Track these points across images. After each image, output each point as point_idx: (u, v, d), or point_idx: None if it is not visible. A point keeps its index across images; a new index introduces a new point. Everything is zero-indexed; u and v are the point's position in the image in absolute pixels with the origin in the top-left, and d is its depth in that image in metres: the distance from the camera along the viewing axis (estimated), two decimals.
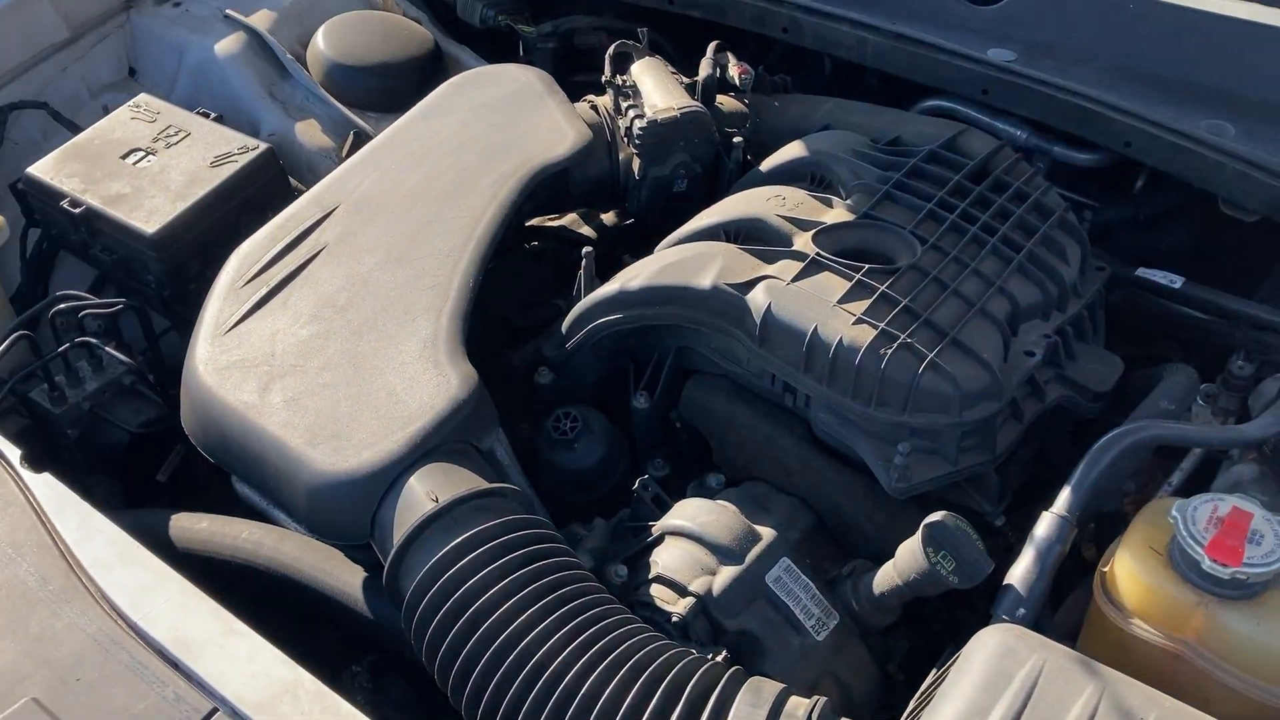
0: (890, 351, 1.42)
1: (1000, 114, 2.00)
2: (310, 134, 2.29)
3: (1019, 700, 1.10)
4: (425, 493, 1.35)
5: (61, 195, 1.99)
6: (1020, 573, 1.31)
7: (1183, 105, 1.80)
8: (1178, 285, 1.80)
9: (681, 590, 1.40)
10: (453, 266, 1.62)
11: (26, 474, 1.43)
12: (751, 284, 1.53)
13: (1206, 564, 1.18)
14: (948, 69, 1.97)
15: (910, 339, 1.43)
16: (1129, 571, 1.27)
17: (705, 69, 1.98)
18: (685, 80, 1.97)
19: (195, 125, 2.11)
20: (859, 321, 1.45)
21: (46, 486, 1.42)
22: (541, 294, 1.97)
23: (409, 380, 1.47)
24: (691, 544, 1.44)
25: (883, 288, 1.49)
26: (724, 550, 1.42)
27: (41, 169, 2.05)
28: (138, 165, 2.04)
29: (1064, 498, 1.36)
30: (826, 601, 1.42)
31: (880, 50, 2.04)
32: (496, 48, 2.59)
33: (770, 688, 1.22)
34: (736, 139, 1.91)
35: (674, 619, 1.37)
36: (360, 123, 2.31)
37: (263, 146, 2.04)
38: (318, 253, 1.68)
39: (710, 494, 1.56)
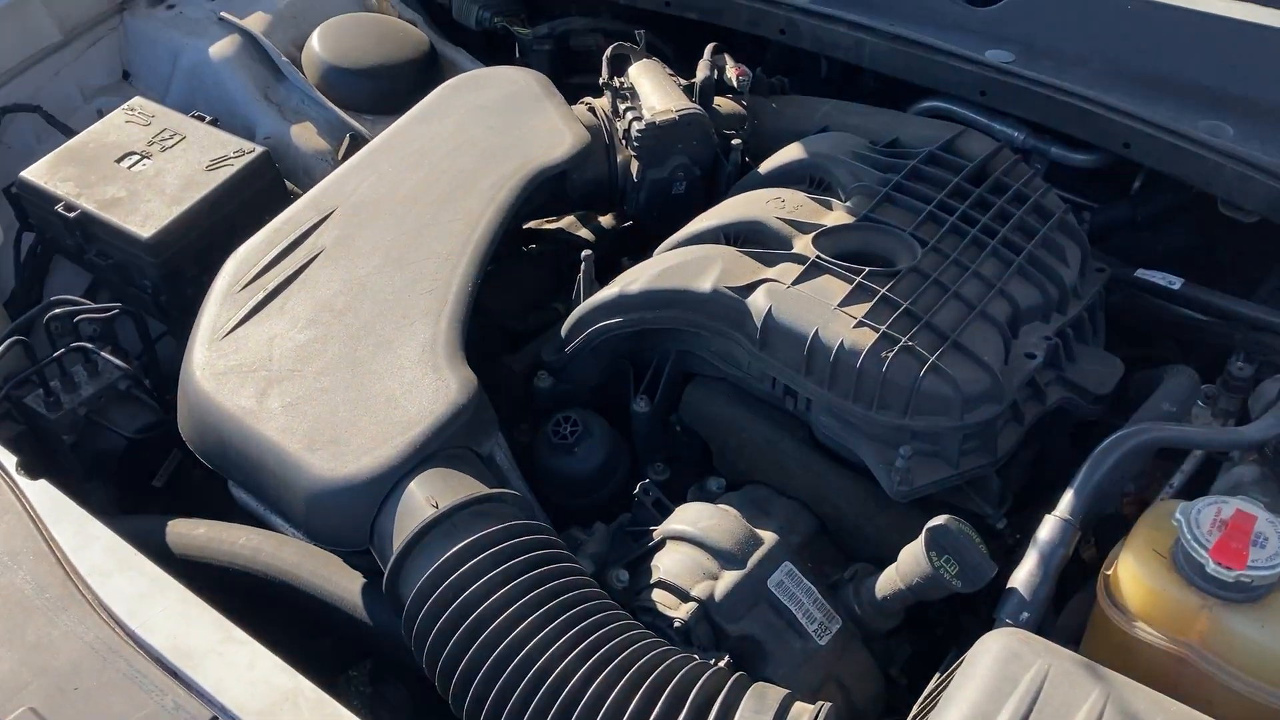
0: (892, 355, 1.41)
1: (997, 115, 1.99)
2: (306, 137, 2.28)
3: (1024, 705, 1.10)
4: (425, 498, 1.35)
5: (56, 199, 1.98)
6: (1023, 576, 1.31)
7: (1181, 106, 1.80)
8: (1177, 286, 1.79)
9: (683, 595, 1.39)
10: (451, 270, 1.61)
11: (23, 481, 1.42)
12: (752, 287, 1.52)
13: (1211, 567, 1.18)
14: (945, 70, 1.97)
15: (911, 342, 1.42)
16: (1132, 574, 1.26)
17: (703, 71, 1.98)
18: (683, 82, 1.96)
19: (190, 128, 2.10)
20: (860, 324, 1.45)
21: (43, 493, 1.41)
22: (539, 297, 1.96)
23: (408, 385, 1.46)
24: (693, 548, 1.43)
25: (884, 290, 1.48)
26: (726, 555, 1.41)
27: (35, 173, 2.04)
28: (133, 169, 2.02)
29: (1067, 500, 1.36)
30: (829, 605, 1.42)
31: (878, 52, 2.04)
32: (492, 50, 2.58)
33: (774, 693, 1.21)
34: (735, 141, 1.91)
35: (676, 624, 1.36)
36: (356, 125, 2.30)
37: (259, 150, 2.03)
38: (315, 257, 1.67)
39: (711, 498, 1.56)
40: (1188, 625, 1.22)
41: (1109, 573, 1.30)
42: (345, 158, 2.20)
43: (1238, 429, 1.45)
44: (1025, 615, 1.28)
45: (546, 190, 1.84)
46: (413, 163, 1.82)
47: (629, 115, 1.88)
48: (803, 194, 1.71)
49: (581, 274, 1.68)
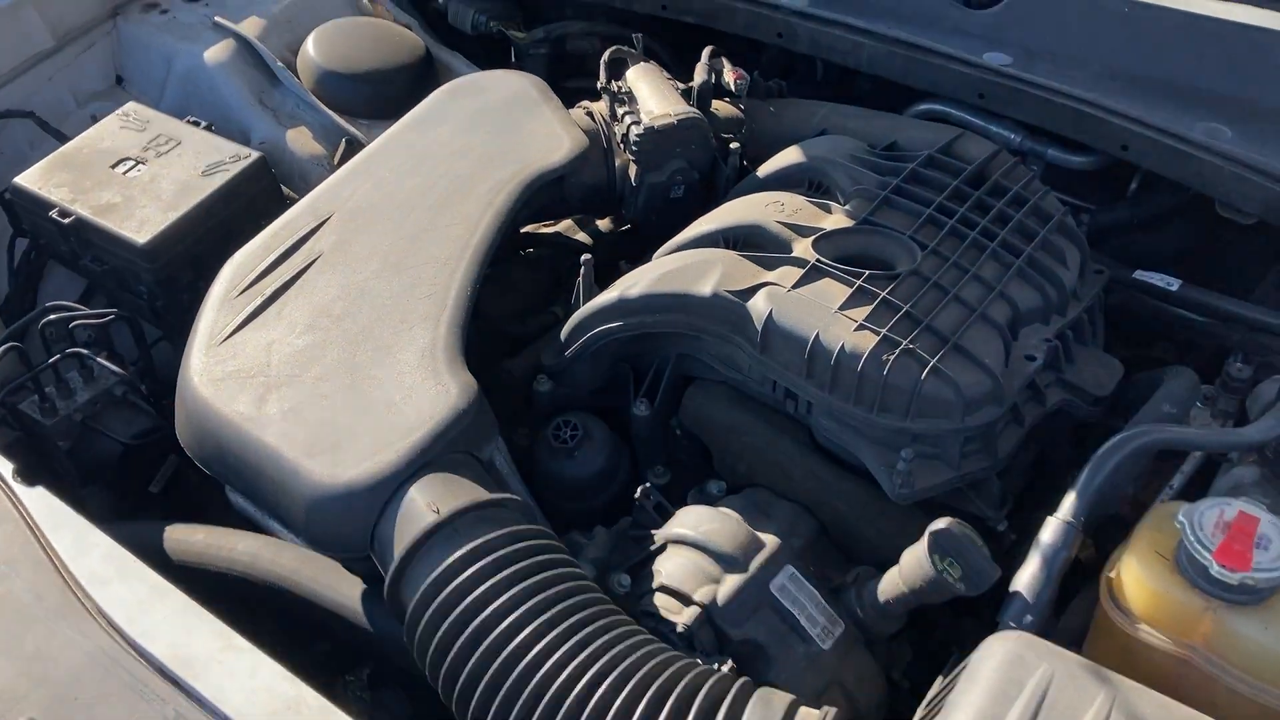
0: (893, 358, 1.41)
1: (994, 117, 2.00)
2: (301, 142, 2.28)
3: (1030, 708, 1.10)
4: (426, 504, 1.34)
5: (50, 205, 1.97)
6: (1027, 579, 1.31)
7: (1179, 108, 1.80)
8: (1175, 288, 1.80)
9: (686, 600, 1.39)
10: (449, 275, 1.61)
11: (19, 488, 1.41)
12: (752, 291, 1.52)
13: (1215, 569, 1.18)
14: (943, 73, 1.97)
15: (912, 345, 1.42)
16: (1136, 577, 1.26)
17: (700, 74, 1.97)
18: (680, 86, 1.96)
19: (185, 134, 2.09)
20: (861, 328, 1.45)
21: (40, 501, 1.40)
22: (537, 301, 1.96)
23: (408, 390, 1.46)
24: (695, 552, 1.43)
25: (884, 294, 1.48)
26: (728, 559, 1.41)
27: (29, 179, 2.03)
28: (128, 175, 2.01)
29: (1069, 503, 1.36)
30: (831, 609, 1.41)
31: (876, 55, 2.04)
32: (488, 54, 2.57)
33: (780, 699, 1.21)
34: (733, 145, 1.91)
35: (679, 629, 1.36)
36: (352, 130, 2.29)
37: (254, 155, 2.02)
38: (312, 262, 1.66)
39: (711, 501, 1.55)
40: (1191, 627, 1.22)
41: (1111, 575, 1.30)
42: (341, 162, 2.19)
43: (1238, 430, 1.45)
44: (1029, 618, 1.28)
45: (544, 195, 1.83)
46: (410, 167, 1.82)
47: (627, 119, 1.87)
48: (802, 197, 1.71)
49: (581, 278, 1.67)
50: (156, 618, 1.27)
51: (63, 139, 2.21)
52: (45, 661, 1.23)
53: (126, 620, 1.26)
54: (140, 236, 1.89)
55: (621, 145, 1.91)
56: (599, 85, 2.00)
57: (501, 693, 1.20)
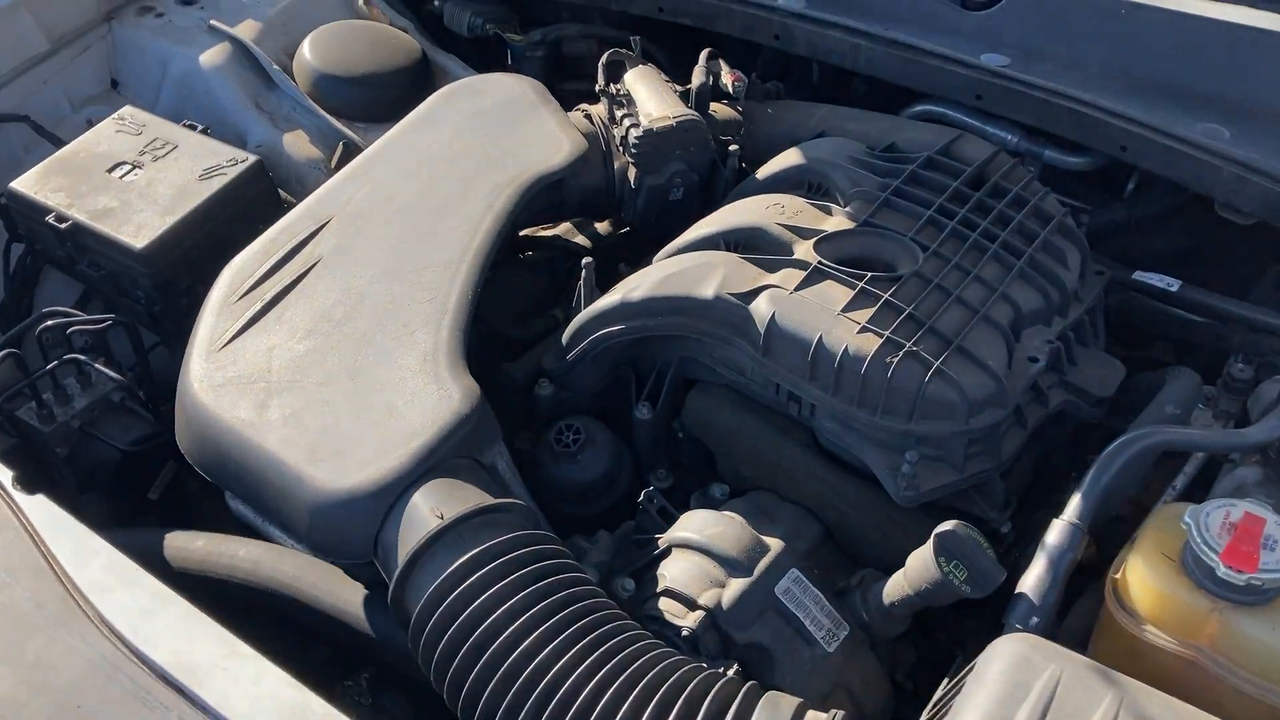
0: (896, 360, 1.41)
1: (990, 118, 2.00)
2: (298, 145, 2.27)
3: (1038, 711, 1.09)
4: (430, 509, 1.34)
5: (47, 210, 1.96)
6: (1032, 581, 1.31)
7: (1177, 109, 1.80)
8: (1175, 289, 1.80)
9: (690, 603, 1.38)
10: (450, 279, 1.60)
11: (19, 496, 1.40)
12: (754, 293, 1.52)
13: (1221, 570, 1.18)
14: (941, 74, 1.97)
15: (916, 347, 1.42)
16: (1141, 578, 1.26)
17: (698, 77, 1.97)
18: (678, 88, 1.96)
19: (182, 137, 2.08)
20: (864, 330, 1.44)
21: (41, 509, 1.39)
22: (537, 304, 1.95)
23: (410, 395, 1.45)
24: (699, 556, 1.43)
25: (886, 295, 1.48)
26: (732, 562, 1.41)
27: (25, 183, 2.02)
28: (124, 179, 2.01)
29: (1074, 505, 1.36)
30: (836, 612, 1.41)
31: (873, 56, 2.04)
32: (484, 57, 2.57)
33: (788, 703, 1.21)
34: (732, 147, 1.91)
35: (684, 633, 1.35)
36: (349, 133, 2.28)
37: (252, 159, 2.02)
38: (312, 266, 1.66)
39: (715, 505, 1.55)
40: (1198, 628, 1.22)
41: (1117, 576, 1.30)
42: (338, 166, 2.18)
43: (1241, 431, 1.45)
44: (1035, 620, 1.28)
45: (544, 198, 1.83)
46: (409, 171, 1.81)
47: (626, 122, 1.87)
48: (802, 199, 1.70)
49: (582, 281, 1.67)
50: (159, 625, 1.26)
51: (58, 143, 2.20)
52: (46, 670, 1.22)
53: (129, 628, 1.25)
54: (138, 241, 1.88)
55: (620, 148, 1.90)
56: (597, 88, 1.99)
57: (508, 698, 1.19)
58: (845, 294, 1.50)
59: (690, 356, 1.64)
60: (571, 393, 1.70)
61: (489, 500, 1.35)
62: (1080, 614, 1.43)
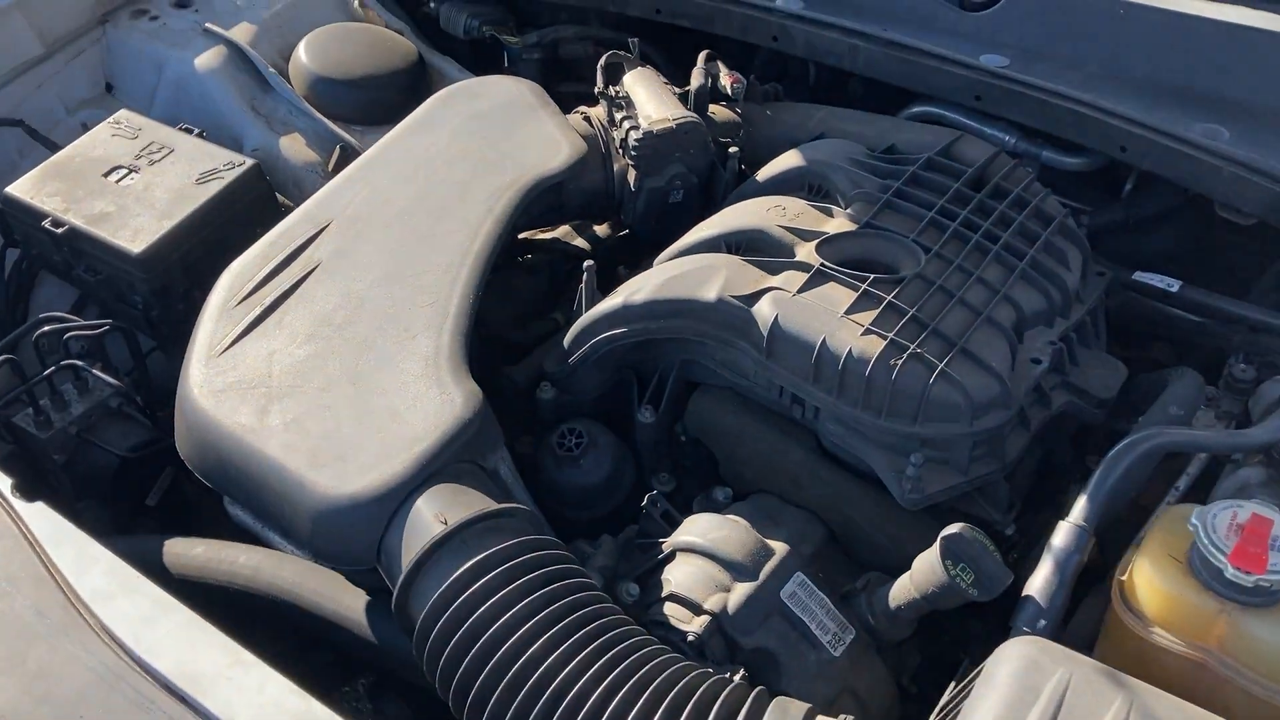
0: (901, 362, 1.40)
1: (987, 118, 1.99)
2: (295, 148, 2.26)
3: (1048, 714, 1.09)
4: (434, 515, 1.33)
5: (43, 215, 1.94)
6: (1039, 583, 1.31)
7: (1176, 109, 1.80)
8: (1175, 289, 1.80)
9: (696, 608, 1.38)
10: (451, 282, 1.59)
11: (19, 503, 1.39)
12: (757, 296, 1.51)
13: (1230, 572, 1.18)
14: (941, 76, 1.97)
15: (920, 349, 1.42)
16: (1148, 580, 1.26)
17: (697, 78, 1.97)
18: (677, 90, 1.95)
19: (178, 141, 2.07)
20: (867, 332, 1.44)
21: (40, 517, 1.38)
22: (536, 308, 1.95)
23: (412, 399, 1.44)
24: (704, 560, 1.42)
25: (889, 297, 1.47)
26: (737, 566, 1.40)
27: (21, 188, 2.00)
28: (120, 183, 1.99)
29: (1080, 506, 1.36)
30: (842, 616, 1.41)
31: (872, 58, 2.04)
32: (480, 59, 2.57)
33: (797, 708, 1.20)
34: (732, 149, 1.90)
35: (689, 638, 1.35)
36: (346, 136, 2.28)
37: (249, 162, 2.01)
38: (312, 270, 1.65)
39: (718, 508, 1.54)
40: (1205, 630, 1.22)
41: (1123, 578, 1.30)
42: (336, 169, 2.18)
43: (1245, 431, 1.45)
44: (1042, 623, 1.28)
45: (543, 201, 1.82)
46: (408, 174, 1.80)
47: (625, 124, 1.86)
48: (803, 201, 1.70)
49: (584, 284, 1.66)
50: (161, 633, 1.25)
51: (53, 147, 2.19)
52: (48, 680, 1.21)
53: (131, 636, 1.24)
54: (135, 246, 1.87)
55: (620, 150, 1.90)
56: (596, 90, 1.99)
57: (514, 705, 1.19)
58: (848, 296, 1.49)
59: (692, 359, 1.63)
60: (573, 396, 1.69)
61: (493, 505, 1.34)
62: (1085, 616, 1.43)
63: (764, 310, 1.49)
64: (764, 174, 1.82)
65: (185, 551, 1.60)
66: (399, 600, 1.30)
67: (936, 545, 1.29)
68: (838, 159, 1.76)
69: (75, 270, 1.98)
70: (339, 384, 1.49)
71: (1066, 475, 1.65)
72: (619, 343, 1.60)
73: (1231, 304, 1.76)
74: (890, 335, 1.43)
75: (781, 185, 1.79)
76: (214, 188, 1.96)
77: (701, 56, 2.03)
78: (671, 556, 1.46)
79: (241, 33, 2.41)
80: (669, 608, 1.40)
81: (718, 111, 1.98)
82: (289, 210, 1.81)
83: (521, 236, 2.03)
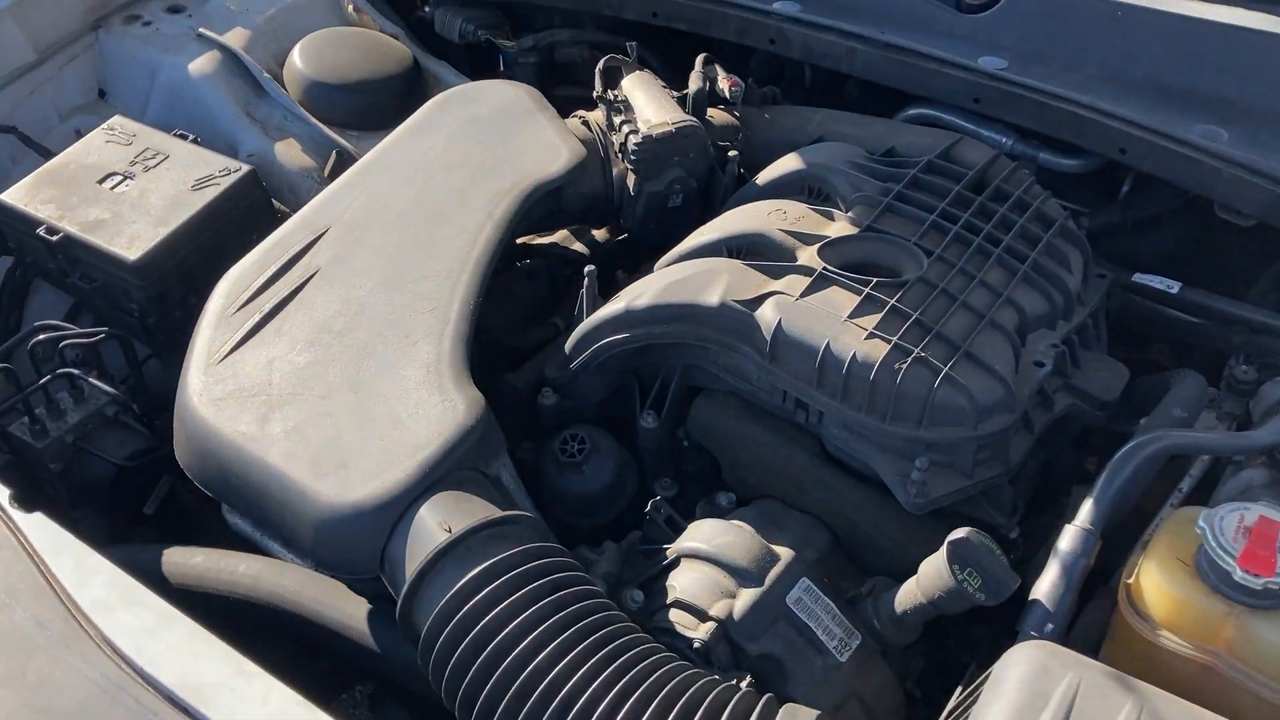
0: (905, 366, 1.40)
1: (984, 120, 1.99)
2: (290, 154, 2.25)
3: (1059, 719, 1.09)
4: (438, 523, 1.32)
5: (37, 222, 1.93)
6: (1046, 587, 1.30)
7: (1175, 111, 1.80)
8: (1175, 290, 1.80)
9: (701, 615, 1.37)
10: (451, 288, 1.59)
11: (17, 514, 1.38)
12: (759, 300, 1.50)
13: (1239, 575, 1.18)
14: (939, 78, 1.97)
15: (924, 353, 1.41)
16: (1156, 583, 1.26)
17: (695, 82, 1.96)
18: (676, 94, 1.95)
19: (173, 147, 2.05)
20: (871, 336, 1.44)
21: (39, 527, 1.36)
22: (535, 313, 1.94)
23: (414, 406, 1.43)
24: (709, 566, 1.41)
25: (893, 301, 1.47)
26: (743, 572, 1.39)
27: (14, 195, 1.99)
28: (115, 190, 1.98)
29: (1086, 510, 1.35)
30: (848, 621, 1.40)
31: (870, 60, 2.03)
32: (476, 63, 2.56)
33: (805, 715, 1.20)
34: (731, 153, 1.90)
35: (695, 644, 1.34)
36: (342, 141, 2.26)
37: (245, 168, 2.00)
38: (311, 277, 1.63)
39: (721, 513, 1.54)
40: (1214, 633, 1.21)
41: (1130, 581, 1.29)
42: (332, 174, 2.17)
43: (1249, 433, 1.44)
44: (1050, 627, 1.27)
45: (543, 205, 1.82)
46: (406, 179, 1.79)
47: (624, 128, 1.86)
48: (803, 205, 1.69)
49: (585, 289, 1.65)
50: (164, 644, 1.24)
51: (46, 154, 2.17)
52: (49, 692, 1.20)
53: (133, 648, 1.23)
54: (131, 253, 1.86)
55: (619, 154, 1.89)
56: (595, 94, 1.98)
57: (522, 715, 1.18)
58: (851, 300, 1.49)
59: (695, 364, 1.63)
60: (575, 402, 1.68)
61: (497, 513, 1.33)
62: (1089, 620, 1.42)
63: (767, 315, 1.49)
64: (764, 177, 1.81)
65: (184, 560, 1.58)
66: (403, 609, 1.29)
67: (943, 550, 1.29)
68: (838, 162, 1.75)
69: (70, 278, 1.97)
70: (340, 391, 1.47)
71: (1068, 478, 1.65)
72: (621, 348, 1.59)
73: (1231, 305, 1.76)
74: (894, 339, 1.42)
75: (781, 189, 1.78)
76: (210, 194, 1.95)
77: (699, 60, 2.02)
78: (676, 563, 1.45)
79: (235, 38, 2.39)
80: (674, 614, 1.39)
81: (716, 115, 1.98)
82: (285, 216, 1.80)
83: (519, 241, 2.03)
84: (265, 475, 1.41)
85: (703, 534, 1.46)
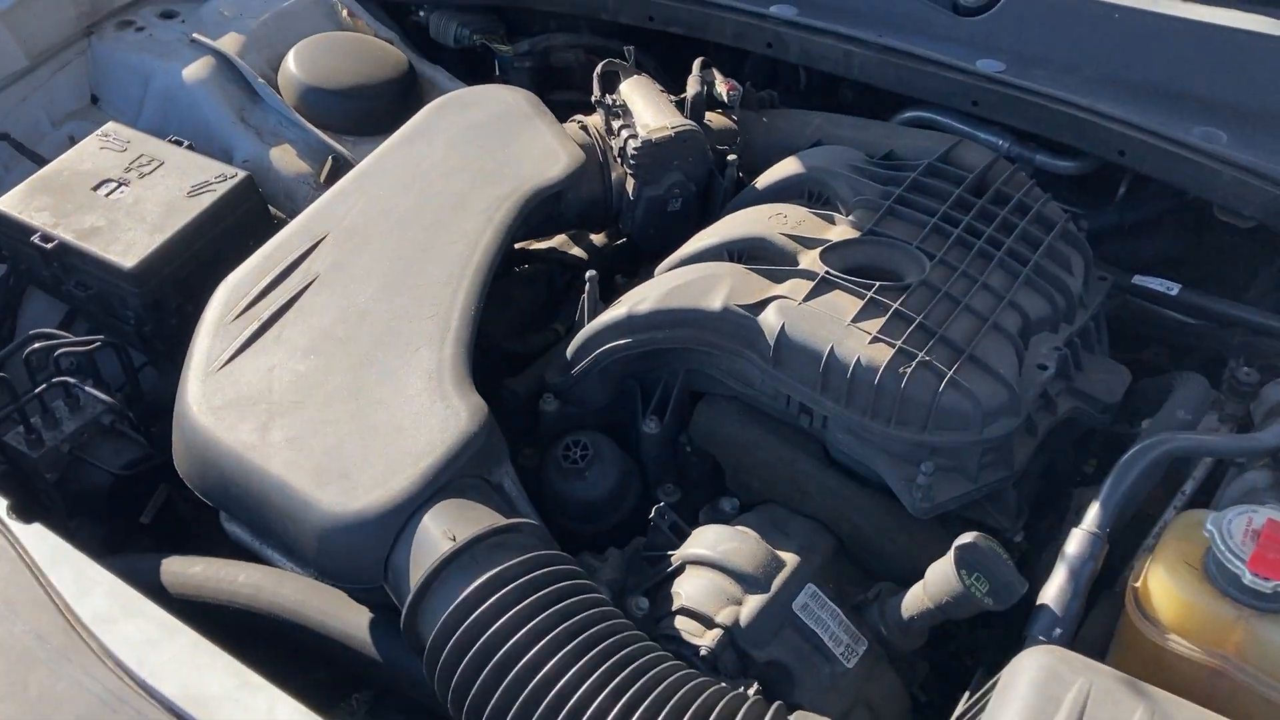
0: (910, 370, 1.40)
1: (980, 123, 1.99)
2: (286, 159, 2.23)
3: None
4: (442, 531, 1.31)
5: (31, 230, 1.91)
6: (1054, 592, 1.30)
7: (1174, 113, 1.80)
8: (1174, 292, 1.80)
9: (707, 622, 1.36)
10: (452, 294, 1.58)
11: (16, 525, 1.36)
12: (763, 304, 1.50)
13: (1248, 578, 1.17)
14: (937, 81, 1.96)
15: (928, 357, 1.41)
16: (1164, 586, 1.25)
17: (693, 86, 1.95)
18: (674, 98, 1.94)
19: (168, 154, 2.04)
20: (875, 340, 1.43)
21: (38, 539, 1.35)
22: (534, 318, 1.93)
23: (416, 414, 1.42)
24: (714, 573, 1.41)
25: (896, 305, 1.46)
26: (748, 579, 1.39)
27: (8, 203, 1.97)
28: (110, 197, 1.97)
29: (1093, 513, 1.35)
30: (854, 627, 1.39)
31: (868, 64, 2.03)
32: (471, 68, 2.54)
33: None
34: (730, 157, 1.89)
35: (702, 652, 1.33)
36: (337, 147, 2.25)
37: (241, 174, 1.98)
38: (310, 284, 1.62)
39: (725, 519, 1.53)
40: (1223, 637, 1.21)
41: (1137, 585, 1.29)
42: (329, 180, 2.15)
43: (1256, 435, 1.44)
44: (1058, 631, 1.27)
45: (542, 210, 1.81)
46: (404, 185, 1.78)
47: (623, 133, 1.85)
48: (804, 209, 1.69)
49: (586, 295, 1.64)
50: (165, 656, 1.23)
51: (39, 161, 2.16)
52: (50, 705, 1.18)
53: (135, 660, 1.22)
54: (127, 260, 1.84)
55: (618, 159, 1.88)
56: (593, 99, 1.97)
57: None
58: (854, 304, 1.48)
59: (697, 369, 1.62)
60: (577, 408, 1.67)
61: (501, 520, 1.32)
62: (1095, 624, 1.42)
63: (770, 319, 1.48)
64: (763, 181, 1.81)
65: (183, 570, 1.57)
66: (408, 619, 1.28)
67: (950, 555, 1.28)
68: (837, 165, 1.75)
69: (65, 285, 1.95)
70: (341, 399, 1.46)
71: (1070, 481, 1.65)
72: (623, 353, 1.58)
73: (1231, 306, 1.77)
74: (898, 343, 1.42)
75: (781, 193, 1.78)
76: (206, 200, 1.93)
77: (697, 64, 2.02)
78: (681, 569, 1.44)
79: (229, 43, 2.38)
80: (680, 621, 1.38)
81: (715, 119, 1.98)
82: (282, 222, 1.78)
83: (518, 246, 2.02)
84: (267, 484, 1.40)
85: (707, 540, 1.45)
